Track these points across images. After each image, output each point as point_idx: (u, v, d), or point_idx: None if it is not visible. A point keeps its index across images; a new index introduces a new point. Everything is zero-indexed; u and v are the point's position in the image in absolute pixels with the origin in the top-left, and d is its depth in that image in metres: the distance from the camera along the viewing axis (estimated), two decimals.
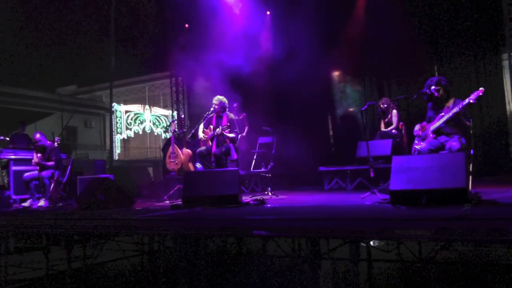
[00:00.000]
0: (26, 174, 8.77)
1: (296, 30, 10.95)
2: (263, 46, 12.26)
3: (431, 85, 5.63)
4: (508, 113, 10.41)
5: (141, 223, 4.76)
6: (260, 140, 10.26)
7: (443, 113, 5.49)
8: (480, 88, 5.21)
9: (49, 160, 8.70)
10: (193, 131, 7.70)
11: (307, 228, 3.88)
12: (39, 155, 8.70)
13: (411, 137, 6.00)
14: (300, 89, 11.36)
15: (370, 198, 5.84)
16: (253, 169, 9.81)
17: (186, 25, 13.81)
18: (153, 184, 13.83)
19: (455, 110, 5.31)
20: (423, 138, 5.66)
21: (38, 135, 8.85)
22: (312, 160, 10.41)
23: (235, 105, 9.25)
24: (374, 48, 11.22)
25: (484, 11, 10.15)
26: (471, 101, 5.18)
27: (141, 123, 26.14)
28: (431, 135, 5.56)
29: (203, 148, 7.61)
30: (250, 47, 11.91)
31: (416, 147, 5.62)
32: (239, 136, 8.05)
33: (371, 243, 6.00)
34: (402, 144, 8.59)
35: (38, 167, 8.66)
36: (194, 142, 7.57)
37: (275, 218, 4.47)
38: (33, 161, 8.73)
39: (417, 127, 5.82)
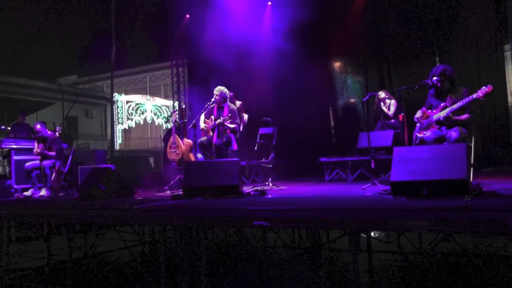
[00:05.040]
0: (28, 163, 8.78)
1: (297, 20, 10.90)
2: (264, 35, 12.21)
3: (435, 75, 5.56)
4: (509, 104, 10.38)
5: (141, 213, 4.76)
6: (261, 131, 10.22)
7: (446, 103, 5.44)
8: (489, 85, 5.11)
9: (50, 150, 8.70)
10: (194, 121, 7.69)
11: (307, 219, 3.88)
12: (40, 145, 8.70)
13: (411, 129, 5.96)
14: (302, 80, 11.33)
15: (371, 189, 5.83)
16: (254, 159, 9.81)
17: (187, 15, 13.78)
18: (154, 174, 13.86)
19: (460, 103, 5.27)
20: (425, 127, 5.60)
21: (38, 126, 8.87)
22: (313, 151, 10.40)
23: (230, 94, 9.20)
24: (376, 38, 11.19)
25: (487, 1, 10.09)
26: (478, 97, 5.14)
27: (142, 113, 26.17)
28: (435, 125, 5.52)
29: (204, 138, 7.61)
30: (251, 37, 11.87)
31: (419, 135, 5.56)
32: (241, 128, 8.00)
33: (372, 234, 6.01)
34: (403, 135, 8.57)
35: (40, 157, 8.68)
36: (195, 132, 7.56)
37: (275, 208, 4.46)
38: (34, 151, 8.74)
39: (418, 113, 5.73)
